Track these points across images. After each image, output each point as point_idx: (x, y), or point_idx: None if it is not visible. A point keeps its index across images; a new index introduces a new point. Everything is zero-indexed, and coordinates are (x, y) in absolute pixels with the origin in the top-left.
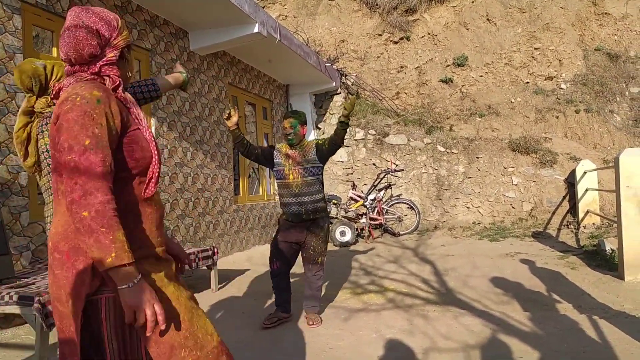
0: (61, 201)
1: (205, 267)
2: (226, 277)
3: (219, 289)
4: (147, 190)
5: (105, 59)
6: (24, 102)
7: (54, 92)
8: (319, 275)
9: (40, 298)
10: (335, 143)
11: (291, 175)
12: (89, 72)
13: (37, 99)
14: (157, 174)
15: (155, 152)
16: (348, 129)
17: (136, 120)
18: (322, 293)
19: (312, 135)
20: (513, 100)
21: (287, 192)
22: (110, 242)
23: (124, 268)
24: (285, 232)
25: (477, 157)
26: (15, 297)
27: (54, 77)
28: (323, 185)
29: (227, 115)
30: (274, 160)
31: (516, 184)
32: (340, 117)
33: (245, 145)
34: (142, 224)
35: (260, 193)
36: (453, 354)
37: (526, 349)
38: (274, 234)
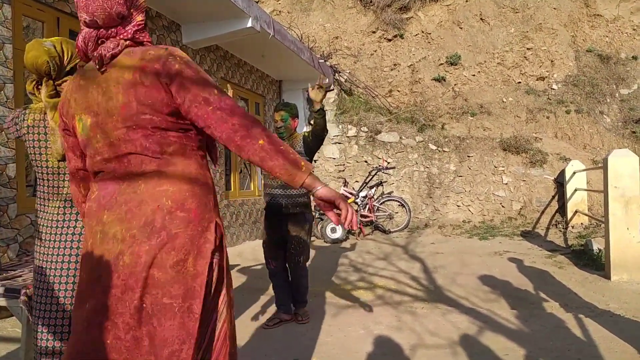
0: (177, 162)
1: None
2: None
3: None
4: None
5: (135, 22)
6: (43, 89)
7: (100, 58)
8: (303, 274)
9: (27, 290)
10: (316, 134)
11: None
12: (120, 37)
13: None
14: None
15: None
16: (341, 126)
17: None
18: (310, 289)
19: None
20: (505, 100)
21: (271, 182)
22: (294, 154)
23: (312, 174)
24: (270, 229)
25: (469, 156)
26: (1, 290)
27: (66, 57)
28: None
29: None
30: None
31: (506, 183)
32: (310, 108)
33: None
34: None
35: (252, 189)
36: (440, 351)
37: (512, 346)
38: (263, 230)
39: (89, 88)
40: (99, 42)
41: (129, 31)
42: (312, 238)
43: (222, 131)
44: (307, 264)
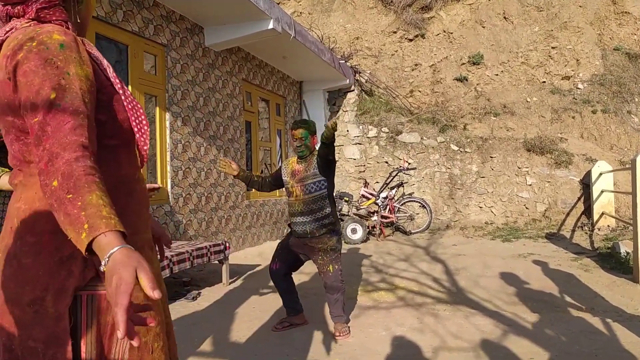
0: (33, 172)
1: (216, 262)
2: (237, 271)
3: (230, 283)
4: (142, 161)
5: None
6: None
7: None
8: (334, 286)
9: None
10: (323, 158)
11: (294, 192)
12: (23, 18)
13: None
14: (148, 141)
15: (142, 116)
16: (362, 126)
17: (115, 81)
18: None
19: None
20: (529, 100)
21: (291, 210)
22: (78, 209)
23: (103, 239)
24: (295, 240)
25: (491, 157)
26: None
27: None
28: (331, 199)
29: (223, 165)
30: (283, 179)
31: (530, 185)
32: (321, 137)
33: (258, 183)
34: (134, 204)
35: None
36: (463, 353)
37: (537, 350)
38: (286, 233)
39: None
40: (10, 20)
41: (33, 9)
42: None
43: (36, 157)
44: (339, 275)
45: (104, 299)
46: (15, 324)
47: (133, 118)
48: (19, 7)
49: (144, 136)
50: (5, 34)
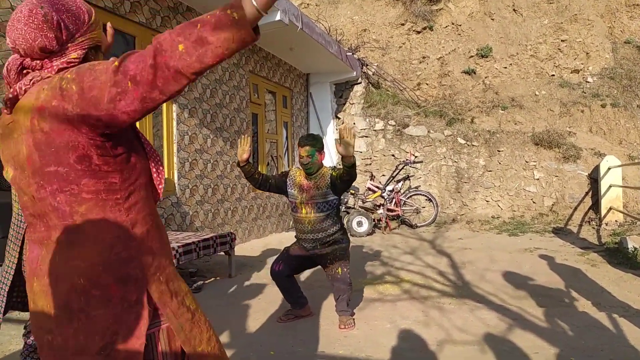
0: (89, 226)
1: (222, 253)
2: (243, 263)
3: (236, 275)
4: (157, 197)
5: (66, 59)
6: None
7: (14, 95)
8: (342, 287)
9: None
10: (344, 180)
11: (303, 210)
12: (45, 70)
13: None
14: (163, 180)
15: (158, 157)
16: (369, 119)
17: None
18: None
19: (330, 128)
20: (537, 93)
21: (300, 227)
22: (212, 15)
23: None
24: (303, 251)
25: (499, 151)
26: None
27: None
28: (338, 213)
29: (242, 143)
30: (287, 191)
31: (538, 179)
32: (342, 162)
33: (257, 180)
34: (165, 236)
35: None
36: (468, 347)
37: (542, 344)
38: (293, 244)
39: (10, 134)
40: (23, 71)
41: (55, 67)
42: None
43: (145, 74)
44: (348, 277)
45: (171, 330)
46: None
47: (152, 163)
48: (38, 61)
49: (160, 175)
50: (30, 82)
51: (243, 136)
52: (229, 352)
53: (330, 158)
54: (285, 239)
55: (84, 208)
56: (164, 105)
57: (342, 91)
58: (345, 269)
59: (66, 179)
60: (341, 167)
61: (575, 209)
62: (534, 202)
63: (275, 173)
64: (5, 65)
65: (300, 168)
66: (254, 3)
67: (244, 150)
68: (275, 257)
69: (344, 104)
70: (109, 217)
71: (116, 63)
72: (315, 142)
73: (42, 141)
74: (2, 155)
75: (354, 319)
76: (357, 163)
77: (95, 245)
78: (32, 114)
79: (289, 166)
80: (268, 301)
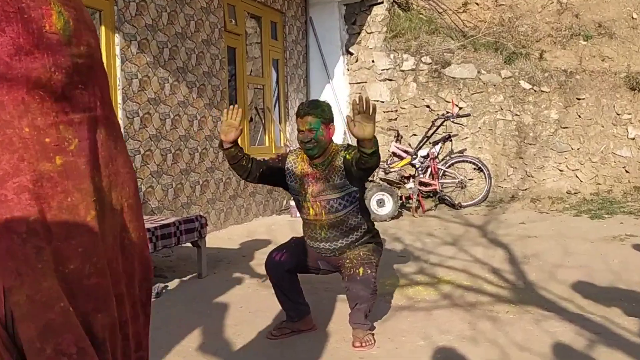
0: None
1: (189, 244)
2: (218, 258)
3: (208, 275)
4: None
5: None
6: None
7: None
8: (361, 295)
9: None
10: (361, 169)
11: (311, 210)
12: None
13: None
14: None
15: None
16: (393, 55)
17: None
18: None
19: (339, 69)
20: (635, 16)
21: (310, 232)
22: None
23: None
24: (317, 254)
25: (578, 99)
26: None
27: None
28: (364, 208)
29: (228, 116)
30: (288, 184)
31: (633, 138)
32: (359, 148)
33: (246, 168)
34: None
35: (266, 144)
36: None
37: None
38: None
39: None
40: None
41: None
42: None
43: None
44: (372, 283)
45: None
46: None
47: None
48: None
49: None
50: None
51: (231, 107)
52: None
53: (345, 132)
54: (277, 224)
55: None
56: (102, 34)
57: (355, 15)
58: (369, 270)
59: None
60: (357, 150)
61: None
62: (627, 172)
63: (262, 133)
64: None
65: (300, 149)
66: None
67: (230, 127)
68: (267, 249)
69: (359, 33)
70: None
71: None
72: (321, 111)
73: None
74: None
75: (373, 335)
76: (378, 118)
77: None
78: None
79: (280, 124)
80: (254, 310)
